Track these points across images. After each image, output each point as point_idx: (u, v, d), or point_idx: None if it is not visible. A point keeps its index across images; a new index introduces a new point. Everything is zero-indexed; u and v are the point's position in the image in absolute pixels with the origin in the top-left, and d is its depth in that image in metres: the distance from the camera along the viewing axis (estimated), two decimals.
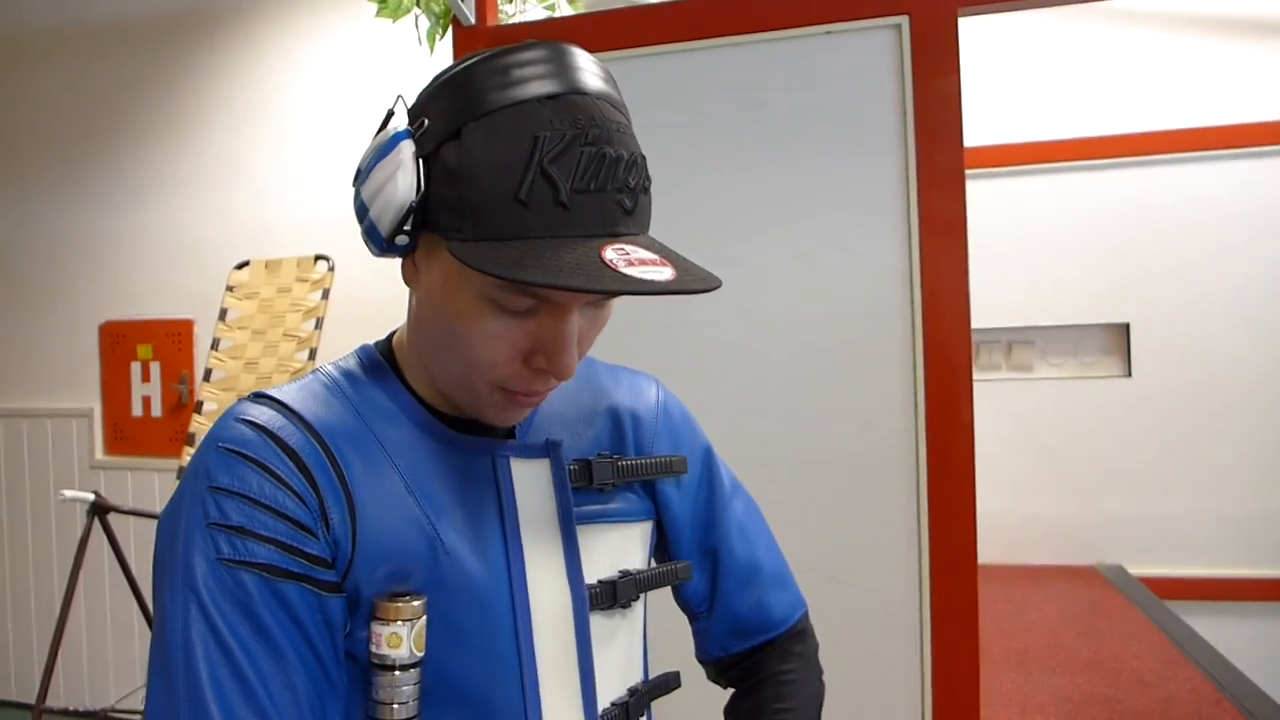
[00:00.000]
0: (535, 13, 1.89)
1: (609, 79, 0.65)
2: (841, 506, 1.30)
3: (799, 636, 0.90)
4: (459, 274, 0.62)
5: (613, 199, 0.59)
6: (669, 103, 1.37)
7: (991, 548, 2.52)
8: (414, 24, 2.10)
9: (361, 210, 0.64)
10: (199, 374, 2.96)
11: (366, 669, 0.64)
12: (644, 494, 0.82)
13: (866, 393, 1.30)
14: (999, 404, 2.59)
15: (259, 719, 0.58)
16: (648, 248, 0.60)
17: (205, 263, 3.18)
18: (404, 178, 0.60)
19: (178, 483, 0.67)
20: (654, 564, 0.83)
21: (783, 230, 1.33)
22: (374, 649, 0.62)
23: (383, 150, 0.62)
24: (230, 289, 2.77)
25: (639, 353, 1.36)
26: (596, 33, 1.41)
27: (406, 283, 0.69)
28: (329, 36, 3.08)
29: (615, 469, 0.77)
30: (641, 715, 0.79)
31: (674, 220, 1.38)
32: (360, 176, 0.65)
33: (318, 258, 2.72)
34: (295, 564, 0.61)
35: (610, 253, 0.57)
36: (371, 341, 0.76)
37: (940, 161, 1.27)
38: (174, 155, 3.26)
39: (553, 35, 1.46)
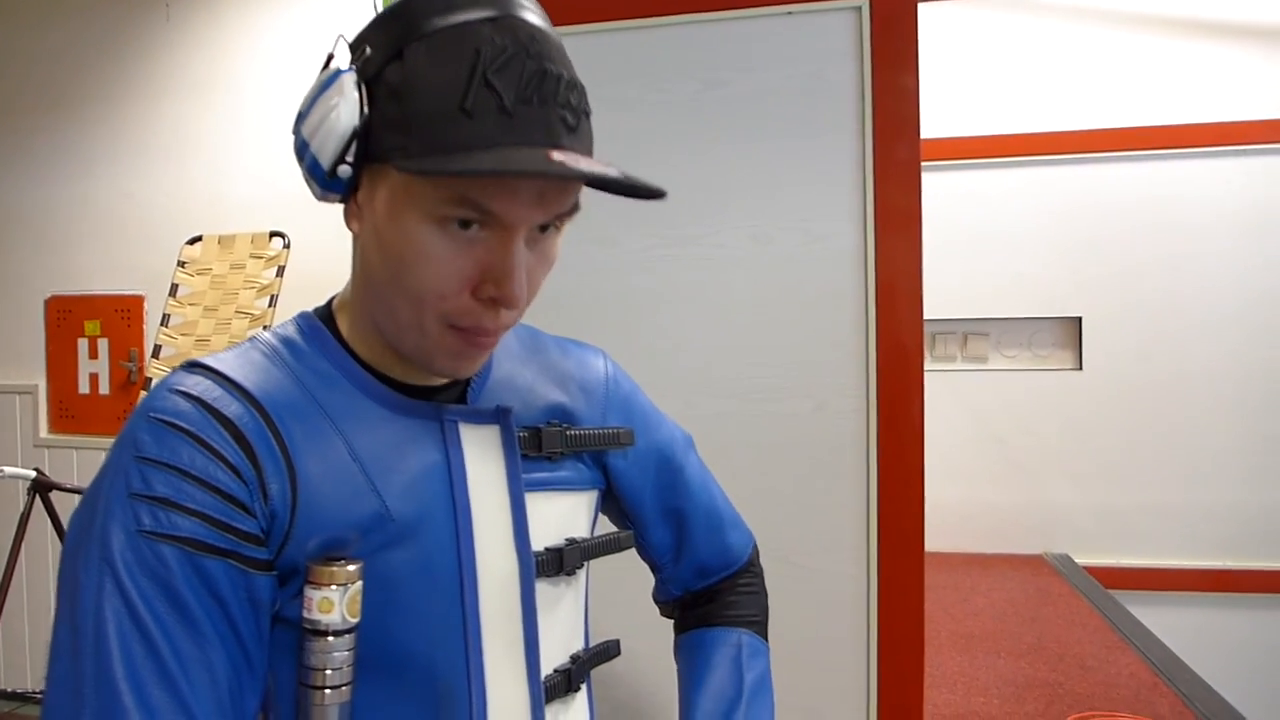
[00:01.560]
0: None
1: (547, 18, 0.64)
2: (793, 487, 1.31)
3: (751, 565, 0.98)
4: (405, 196, 0.60)
5: (556, 113, 0.59)
6: (630, 79, 1.36)
7: (942, 535, 2.56)
8: None
9: (302, 148, 0.63)
10: (149, 351, 2.89)
11: (300, 634, 0.62)
12: (593, 464, 0.82)
13: (820, 375, 1.30)
14: (954, 394, 2.62)
15: (173, 699, 0.55)
16: (592, 158, 0.60)
17: (157, 237, 3.10)
18: (346, 106, 0.59)
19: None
20: (598, 532, 0.84)
21: (741, 210, 1.33)
22: (305, 614, 0.61)
23: (323, 86, 0.61)
24: (182, 264, 2.71)
25: (592, 329, 1.35)
26: (559, 6, 1.38)
27: (349, 225, 0.67)
28: (287, 7, 3.01)
29: (564, 438, 0.77)
30: (582, 682, 0.79)
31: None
32: (301, 118, 0.63)
33: (273, 234, 2.68)
34: (222, 539, 0.59)
35: (557, 154, 0.57)
36: (311, 308, 0.74)
37: (897, 153, 1.27)
38: (126, 126, 3.18)
39: None
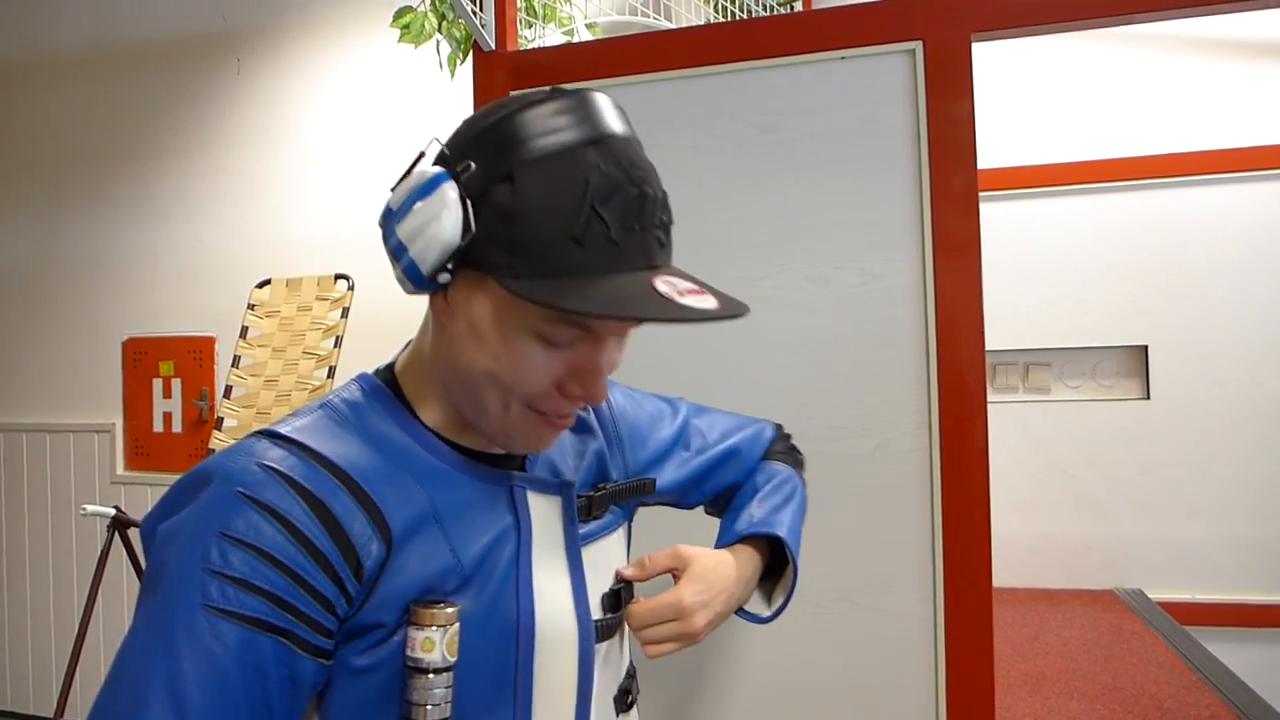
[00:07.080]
0: (554, 38, 1.92)
1: (627, 118, 0.68)
2: (855, 527, 1.30)
3: (774, 444, 1.04)
4: (508, 309, 0.64)
5: (653, 235, 0.63)
6: (685, 126, 1.39)
7: (1009, 571, 2.51)
8: (435, 49, 2.14)
9: (399, 249, 0.64)
10: (219, 391, 2.99)
11: (403, 672, 0.65)
12: (624, 504, 0.88)
13: (881, 412, 1.30)
14: (1016, 426, 2.58)
15: None
16: (685, 278, 0.64)
17: (227, 281, 3.23)
18: (450, 217, 0.61)
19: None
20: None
21: (798, 252, 1.34)
22: (409, 652, 0.65)
23: (421, 190, 0.63)
24: (251, 307, 2.80)
25: (655, 374, 1.37)
26: (614, 58, 1.43)
27: (438, 318, 0.69)
28: (352, 60, 3.13)
29: (609, 497, 0.83)
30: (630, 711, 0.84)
31: (690, 242, 1.39)
32: (395, 215, 0.65)
33: (338, 276, 2.75)
34: (283, 619, 0.60)
35: (661, 284, 0.61)
36: (370, 370, 0.76)
37: (954, 183, 1.27)
38: (198, 174, 3.32)
39: (572, 61, 1.48)
